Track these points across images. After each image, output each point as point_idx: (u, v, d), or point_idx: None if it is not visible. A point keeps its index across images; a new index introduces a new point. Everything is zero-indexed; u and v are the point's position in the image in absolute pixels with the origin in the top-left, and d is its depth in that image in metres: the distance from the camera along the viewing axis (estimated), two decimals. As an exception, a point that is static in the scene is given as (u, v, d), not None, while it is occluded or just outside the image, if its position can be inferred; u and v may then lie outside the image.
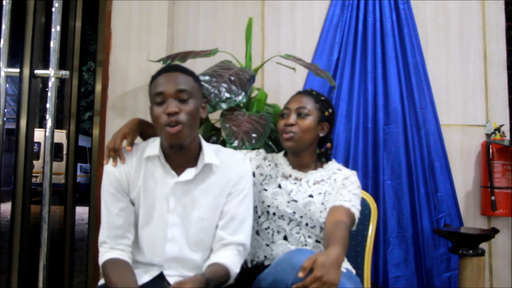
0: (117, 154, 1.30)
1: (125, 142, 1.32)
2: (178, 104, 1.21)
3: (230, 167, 1.33)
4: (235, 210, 1.31)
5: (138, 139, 1.39)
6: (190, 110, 1.22)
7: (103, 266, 1.25)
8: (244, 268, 1.36)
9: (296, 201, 1.43)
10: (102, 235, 1.28)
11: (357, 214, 1.40)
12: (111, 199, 1.28)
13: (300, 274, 1.06)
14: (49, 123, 1.80)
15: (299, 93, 1.54)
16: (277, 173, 1.51)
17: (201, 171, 1.29)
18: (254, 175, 1.50)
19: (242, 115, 1.83)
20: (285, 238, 1.43)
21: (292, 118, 1.45)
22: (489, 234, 2.22)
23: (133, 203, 1.30)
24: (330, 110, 1.52)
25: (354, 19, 2.50)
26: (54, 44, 1.82)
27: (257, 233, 1.47)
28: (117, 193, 1.28)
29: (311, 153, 1.52)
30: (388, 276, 2.31)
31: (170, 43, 2.44)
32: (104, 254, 1.26)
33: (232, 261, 1.26)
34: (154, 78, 1.28)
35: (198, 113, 1.27)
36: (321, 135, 1.50)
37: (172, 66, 1.31)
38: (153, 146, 1.30)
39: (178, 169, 1.29)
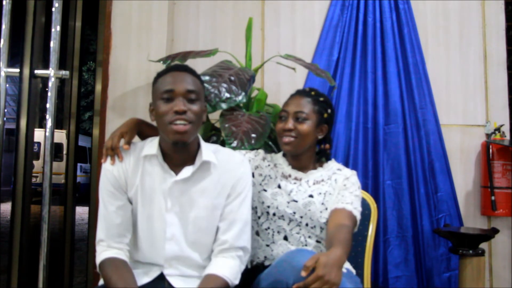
0: (114, 152, 1.30)
1: (122, 141, 1.33)
2: (186, 104, 1.23)
3: (229, 168, 1.33)
4: (235, 213, 1.31)
5: (136, 139, 1.39)
6: (197, 111, 1.25)
7: (101, 265, 1.25)
8: (244, 268, 1.36)
9: (296, 201, 1.43)
10: (100, 234, 1.28)
11: (358, 217, 1.40)
12: (109, 197, 1.28)
13: (303, 273, 1.06)
14: (49, 123, 1.80)
15: (298, 93, 1.51)
16: (276, 173, 1.51)
17: (198, 169, 1.29)
18: (253, 175, 1.50)
19: (242, 115, 1.83)
20: (285, 238, 1.43)
21: (290, 123, 1.43)
22: (489, 234, 2.22)
23: (130, 202, 1.30)
24: (329, 111, 1.50)
25: (354, 19, 2.50)
26: (54, 44, 1.82)
27: (257, 233, 1.47)
28: (115, 191, 1.28)
29: (310, 155, 1.51)
30: (388, 276, 2.31)
31: (170, 43, 2.44)
32: (102, 253, 1.26)
33: (232, 272, 1.26)
34: (161, 75, 1.29)
35: (202, 115, 1.29)
36: (319, 137, 1.49)
37: (181, 65, 1.32)
38: (151, 145, 1.30)
39: (176, 168, 1.29)
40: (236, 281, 1.26)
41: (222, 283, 1.22)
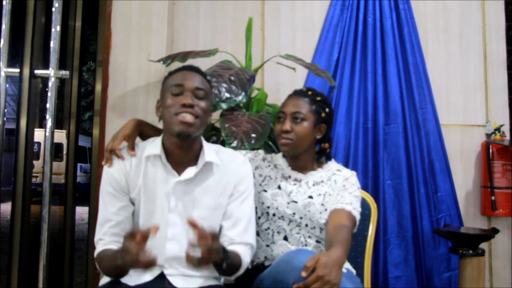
0: (115, 154, 1.31)
1: (124, 143, 1.33)
2: (194, 99, 1.25)
3: (231, 168, 1.34)
4: (238, 211, 1.32)
5: (137, 139, 1.39)
6: (204, 108, 1.27)
7: (97, 259, 1.26)
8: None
9: (296, 202, 1.43)
10: (99, 233, 1.29)
11: (358, 217, 1.40)
12: (109, 198, 1.29)
13: (303, 274, 1.06)
14: (49, 123, 1.80)
15: (295, 94, 1.51)
16: (276, 174, 1.51)
17: (201, 170, 1.30)
18: (253, 176, 1.50)
19: (242, 115, 1.83)
20: (285, 238, 1.43)
21: (288, 125, 1.43)
22: (489, 234, 2.22)
23: (133, 203, 1.31)
24: (327, 110, 1.49)
25: (354, 19, 2.50)
26: (54, 44, 1.81)
27: (257, 234, 1.47)
28: (116, 193, 1.29)
29: (309, 155, 1.51)
30: (388, 276, 2.32)
31: (170, 43, 2.44)
32: (99, 249, 1.27)
33: (244, 254, 1.29)
34: (172, 73, 1.32)
35: (208, 115, 1.31)
36: (318, 137, 1.49)
37: (193, 66, 1.35)
38: (154, 145, 1.31)
39: (179, 168, 1.29)
40: (246, 262, 1.29)
41: (237, 256, 1.25)
